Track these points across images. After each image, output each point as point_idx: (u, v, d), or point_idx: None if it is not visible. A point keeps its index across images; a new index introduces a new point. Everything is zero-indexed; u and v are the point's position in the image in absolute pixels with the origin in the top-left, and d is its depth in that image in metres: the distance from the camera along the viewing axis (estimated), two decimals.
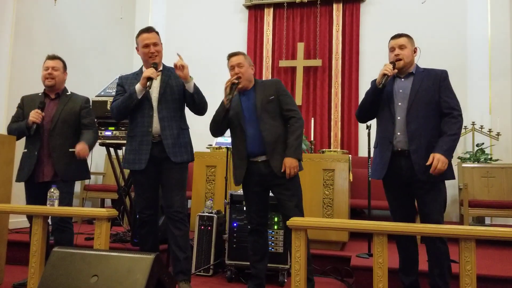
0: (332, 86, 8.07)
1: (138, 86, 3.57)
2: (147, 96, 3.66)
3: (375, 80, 3.38)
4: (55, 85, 4.04)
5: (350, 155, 5.18)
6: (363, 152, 7.56)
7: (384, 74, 3.29)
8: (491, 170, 6.35)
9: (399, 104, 3.36)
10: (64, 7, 6.82)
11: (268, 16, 8.53)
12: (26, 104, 4.03)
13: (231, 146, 4.93)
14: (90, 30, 7.54)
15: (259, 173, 3.56)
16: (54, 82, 4.02)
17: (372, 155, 4.69)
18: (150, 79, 3.53)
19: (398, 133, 3.32)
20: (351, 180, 5.25)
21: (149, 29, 3.77)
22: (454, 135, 3.21)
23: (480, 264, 3.91)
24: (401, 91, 3.39)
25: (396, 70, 3.36)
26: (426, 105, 3.29)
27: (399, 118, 3.34)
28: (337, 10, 8.17)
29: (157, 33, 3.80)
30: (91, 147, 4.00)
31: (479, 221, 6.58)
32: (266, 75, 8.37)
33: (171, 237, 3.68)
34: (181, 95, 3.76)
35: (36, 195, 3.94)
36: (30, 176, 3.90)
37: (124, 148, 3.88)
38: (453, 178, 3.34)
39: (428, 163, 3.15)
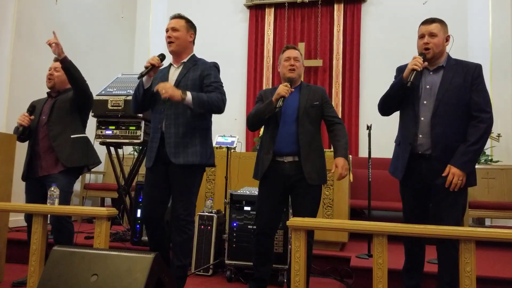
0: (333, 86, 8.07)
1: (145, 76, 3.44)
2: None
3: (400, 67, 3.21)
4: (55, 85, 4.06)
5: (350, 156, 5.17)
6: (363, 152, 7.57)
7: (413, 69, 3.03)
8: (491, 171, 6.35)
9: (424, 102, 3.12)
10: (65, 6, 6.82)
11: (269, 16, 8.54)
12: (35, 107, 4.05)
13: (224, 146, 4.96)
14: (91, 29, 7.54)
15: (283, 174, 3.50)
16: (53, 83, 4.05)
17: (373, 155, 4.74)
18: (152, 66, 3.39)
19: (420, 136, 3.11)
20: (351, 181, 5.25)
21: (175, 16, 3.64)
22: (475, 144, 2.99)
23: (480, 266, 3.91)
24: (428, 87, 3.14)
25: (426, 63, 3.12)
26: (454, 106, 3.04)
27: (422, 119, 3.11)
28: (338, 11, 8.17)
29: (186, 19, 3.62)
30: (78, 77, 3.89)
31: (479, 222, 6.59)
32: (267, 75, 8.38)
33: (172, 241, 3.58)
34: (196, 90, 3.45)
35: (35, 192, 3.94)
36: (29, 172, 3.91)
37: (124, 147, 3.85)
38: (475, 184, 3.17)
39: (444, 174, 3.00)
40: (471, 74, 3.08)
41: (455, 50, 7.05)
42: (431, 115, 3.09)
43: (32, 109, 3.93)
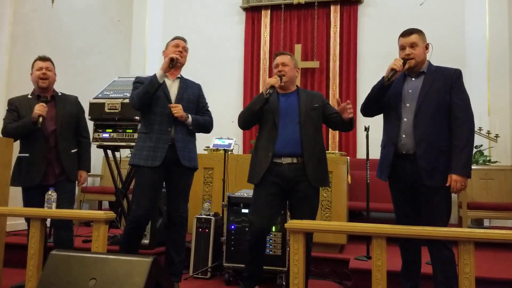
0: (330, 87, 8.07)
1: (159, 72, 3.68)
2: (167, 97, 3.78)
3: (383, 77, 3.27)
4: (49, 86, 4.03)
5: (348, 157, 5.17)
6: (361, 154, 7.56)
7: (393, 69, 3.15)
8: (489, 172, 6.35)
9: (407, 105, 3.25)
10: (62, 9, 6.81)
11: (265, 18, 8.53)
12: (20, 107, 3.96)
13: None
14: (88, 32, 7.53)
15: (281, 175, 3.48)
16: (48, 83, 4.01)
17: (372, 156, 4.73)
18: (172, 60, 3.68)
19: (403, 136, 3.21)
20: (350, 182, 5.24)
21: (184, 38, 4.00)
22: (465, 148, 3.09)
23: (479, 267, 3.91)
24: (410, 91, 3.28)
25: (407, 66, 3.23)
26: (436, 107, 3.16)
27: (405, 119, 3.23)
28: (335, 12, 8.18)
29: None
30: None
31: (478, 223, 6.58)
32: (264, 76, 8.37)
33: (170, 240, 3.78)
34: (194, 106, 3.93)
35: (38, 198, 3.88)
36: (40, 179, 3.89)
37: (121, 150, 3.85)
38: None
39: (447, 184, 3.09)
40: (450, 77, 3.23)
41: (453, 51, 7.18)
42: (413, 116, 3.21)
43: (45, 99, 3.89)
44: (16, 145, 4.02)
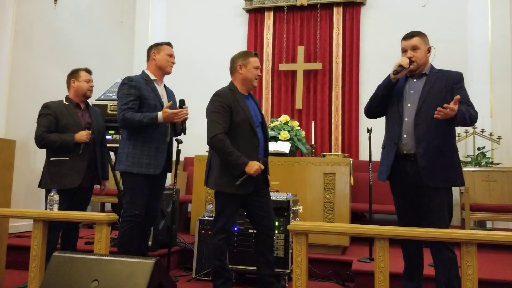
0: (333, 89, 8.05)
1: (161, 118, 3.70)
2: (162, 105, 3.85)
3: (389, 75, 3.29)
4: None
5: (351, 159, 5.17)
6: (364, 155, 7.55)
7: (400, 65, 3.19)
8: (492, 174, 6.33)
9: (408, 105, 3.26)
10: (64, 11, 6.81)
11: (268, 19, 8.53)
12: (59, 113, 4.10)
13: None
14: (90, 34, 7.53)
15: (256, 179, 3.53)
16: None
17: (374, 158, 4.72)
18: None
19: (405, 135, 3.22)
20: (352, 184, 5.23)
21: (171, 45, 4.07)
22: (469, 113, 3.06)
23: (481, 268, 3.90)
24: (411, 91, 3.30)
25: (412, 67, 3.24)
26: (436, 106, 3.07)
27: (406, 119, 3.24)
28: (338, 14, 8.17)
29: None
30: None
31: (481, 225, 6.57)
32: (267, 78, 8.35)
33: (143, 235, 4.01)
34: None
35: (68, 200, 4.05)
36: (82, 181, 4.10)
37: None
38: (463, 184, 3.27)
39: (455, 99, 2.94)
40: (452, 79, 3.26)
41: (455, 54, 7.17)
42: (414, 115, 3.23)
43: (89, 126, 4.12)
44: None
